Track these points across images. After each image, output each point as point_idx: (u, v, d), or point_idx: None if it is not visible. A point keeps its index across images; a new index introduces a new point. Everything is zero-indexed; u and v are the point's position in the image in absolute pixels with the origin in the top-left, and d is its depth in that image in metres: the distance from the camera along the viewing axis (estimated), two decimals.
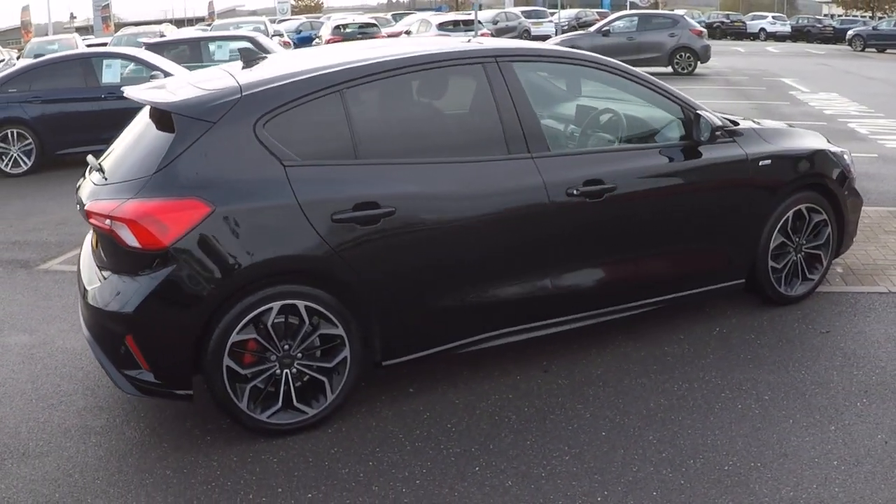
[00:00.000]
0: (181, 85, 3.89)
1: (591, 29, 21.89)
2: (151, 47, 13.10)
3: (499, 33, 33.71)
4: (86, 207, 3.62)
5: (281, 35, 24.55)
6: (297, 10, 67.52)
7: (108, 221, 3.44)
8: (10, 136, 10.19)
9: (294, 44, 29.95)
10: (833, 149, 5.02)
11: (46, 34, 31.17)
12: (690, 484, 3.21)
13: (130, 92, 3.91)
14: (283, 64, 4.09)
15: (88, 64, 10.59)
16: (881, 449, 3.39)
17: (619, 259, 4.25)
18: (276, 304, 3.51)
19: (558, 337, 4.40)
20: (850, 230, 5.08)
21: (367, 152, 3.66)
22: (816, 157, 4.84)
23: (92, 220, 3.57)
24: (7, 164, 10.25)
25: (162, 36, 16.00)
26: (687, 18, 20.59)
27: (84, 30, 41.11)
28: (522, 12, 37.70)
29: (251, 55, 4.17)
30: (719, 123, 4.33)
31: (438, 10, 49.28)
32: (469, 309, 3.91)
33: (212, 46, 13.39)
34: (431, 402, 3.95)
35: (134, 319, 3.41)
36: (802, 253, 4.86)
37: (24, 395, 4.20)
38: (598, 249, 4.18)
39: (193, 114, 3.49)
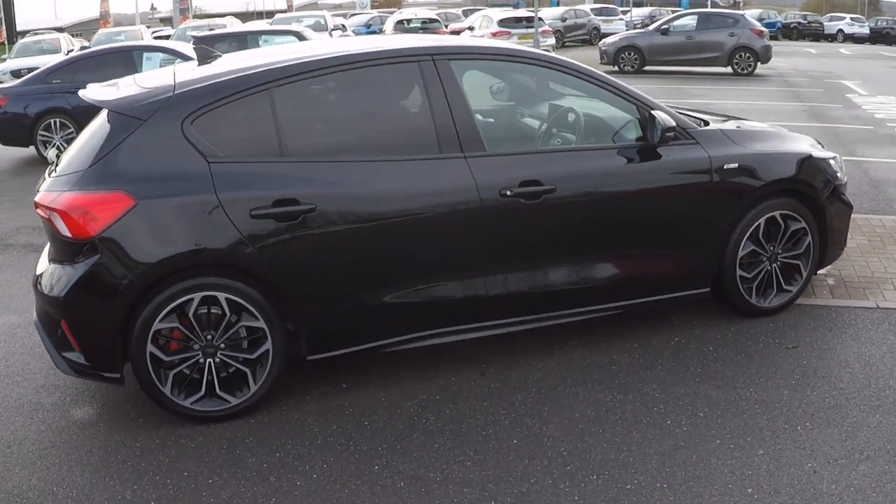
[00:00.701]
0: (128, 83, 3.95)
1: (651, 27, 21.26)
2: (200, 40, 13.29)
3: (567, 31, 33.18)
4: (35, 199, 3.71)
5: (343, 29, 24.69)
6: (376, 5, 67.96)
7: (48, 212, 3.54)
8: (52, 125, 10.50)
9: None
10: (817, 153, 4.64)
11: (133, 24, 32.06)
12: (584, 500, 3.01)
13: (84, 92, 3.94)
14: (228, 63, 4.04)
15: (129, 56, 10.82)
16: (806, 479, 3.10)
17: (561, 263, 4.03)
18: (197, 296, 3.53)
19: (505, 339, 4.24)
20: (835, 240, 4.70)
21: (293, 150, 3.64)
22: (794, 162, 4.48)
23: (38, 211, 3.67)
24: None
25: (211, 29, 16.28)
26: (748, 18, 19.69)
27: (169, 21, 42.10)
28: (592, 10, 36.90)
29: (206, 53, 4.21)
30: (673, 124, 4.04)
31: (516, 6, 48.77)
32: (397, 308, 3.80)
33: (251, 40, 13.48)
34: (358, 399, 3.85)
35: (65, 304, 3.52)
36: (778, 262, 4.51)
37: None
38: (537, 252, 3.98)
39: (127, 111, 3.58)
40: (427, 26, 26.73)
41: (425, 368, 4.10)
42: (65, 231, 3.46)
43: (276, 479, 3.25)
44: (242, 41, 13.60)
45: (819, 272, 5.17)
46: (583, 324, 4.42)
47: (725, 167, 4.23)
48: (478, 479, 3.17)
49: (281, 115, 3.63)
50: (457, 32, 30.38)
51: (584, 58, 24.62)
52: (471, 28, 27.27)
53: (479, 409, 3.70)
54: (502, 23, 24.13)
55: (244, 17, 38.54)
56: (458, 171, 3.75)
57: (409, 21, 27.52)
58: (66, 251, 3.55)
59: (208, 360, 3.60)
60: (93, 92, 3.89)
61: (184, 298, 3.50)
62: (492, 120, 4.19)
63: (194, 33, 15.36)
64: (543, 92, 4.44)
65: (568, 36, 32.83)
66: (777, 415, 3.55)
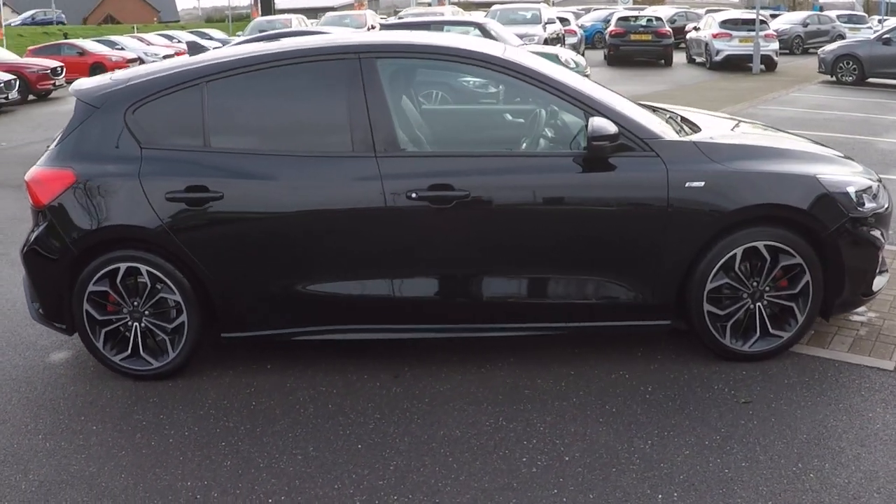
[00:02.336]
0: (106, 76, 4.15)
1: (872, 36, 18.39)
2: (385, 28, 13.67)
3: (808, 37, 29.74)
4: None
5: (565, 23, 24.02)
6: (639, 0, 65.22)
7: (25, 184, 3.89)
8: None
9: (584, 36, 29.28)
10: (828, 178, 3.68)
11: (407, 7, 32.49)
12: None
13: (72, 85, 4.17)
14: (193, 58, 4.08)
15: None
16: None
17: (476, 274, 3.62)
18: (123, 266, 3.69)
19: (446, 347, 3.94)
20: (852, 283, 3.74)
21: (215, 141, 3.66)
22: (786, 186, 3.61)
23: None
24: None
25: (400, 18, 16.54)
26: None
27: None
28: (839, 16, 32.64)
29: (197, 48, 4.27)
30: (612, 131, 3.41)
31: (777, 9, 44.71)
32: (304, 300, 3.67)
33: (435, 30, 13.52)
34: (267, 381, 3.78)
35: (25, 261, 3.84)
36: (764, 301, 3.68)
37: (15, 312, 4.73)
38: (449, 260, 3.60)
39: (86, 100, 3.81)
40: (650, 23, 25.34)
41: (348, 363, 3.90)
42: (30, 200, 3.81)
43: (140, 437, 3.33)
44: (426, 29, 13.72)
45: (855, 318, 4.19)
46: (533, 343, 3.95)
47: (687, 185, 3.51)
48: (291, 474, 3.01)
49: (208, 108, 3.66)
50: (686, 31, 28.57)
51: (810, 66, 22.01)
52: (696, 28, 25.45)
53: (359, 410, 3.46)
54: (724, 24, 22.16)
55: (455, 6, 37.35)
56: (366, 171, 3.51)
57: (635, 18, 26.27)
58: (34, 217, 3.88)
59: (134, 324, 3.74)
60: (77, 83, 4.13)
61: (112, 267, 3.67)
62: (417, 120, 3.82)
63: (382, 21, 15.77)
64: (483, 93, 3.96)
65: (809, 42, 29.42)
66: (649, 477, 2.91)
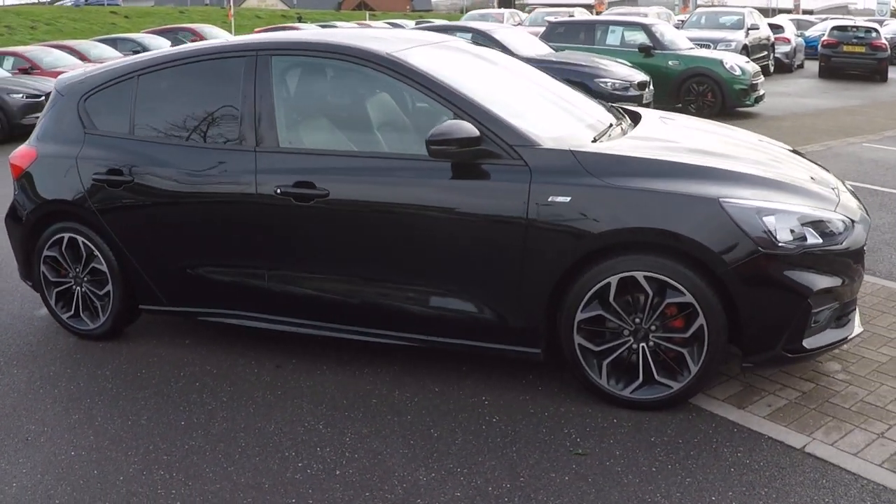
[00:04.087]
0: (83, 68, 4.40)
1: None
2: (552, 24, 13.12)
3: None
4: None
5: (778, 30, 21.45)
6: None
7: None
8: None
9: (804, 45, 26.31)
10: (741, 204, 2.85)
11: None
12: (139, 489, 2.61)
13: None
14: (142, 54, 4.20)
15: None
16: None
17: (337, 275, 3.35)
18: (66, 236, 3.91)
19: (348, 344, 3.65)
20: (760, 333, 2.91)
21: (136, 130, 3.75)
22: (680, 209, 2.87)
23: None
24: None
25: (571, 16, 15.38)
26: None
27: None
28: None
29: (178, 43, 4.38)
30: (468, 135, 2.93)
31: None
32: (197, 282, 3.65)
33: (600, 30, 12.67)
34: (172, 354, 3.80)
35: (6, 226, 4.18)
36: (650, 342, 2.97)
37: None
38: (310, 258, 3.38)
39: (58, 87, 4.09)
40: (866, 34, 21.97)
41: (252, 348, 3.79)
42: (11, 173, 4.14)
43: (38, 384, 3.51)
44: (590, 30, 12.99)
45: (821, 377, 3.29)
46: (432, 353, 3.55)
47: (551, 199, 2.92)
48: (111, 436, 3.04)
49: (137, 99, 3.74)
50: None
51: None
52: None
53: (215, 392, 3.38)
54: None
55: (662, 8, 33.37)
56: (245, 164, 3.41)
57: (851, 27, 22.93)
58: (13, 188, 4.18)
59: (77, 289, 3.96)
60: (64, 73, 4.39)
61: (59, 235, 3.91)
62: (303, 116, 3.56)
63: (549, 19, 15.02)
64: (369, 91, 3.57)
65: None
66: None
